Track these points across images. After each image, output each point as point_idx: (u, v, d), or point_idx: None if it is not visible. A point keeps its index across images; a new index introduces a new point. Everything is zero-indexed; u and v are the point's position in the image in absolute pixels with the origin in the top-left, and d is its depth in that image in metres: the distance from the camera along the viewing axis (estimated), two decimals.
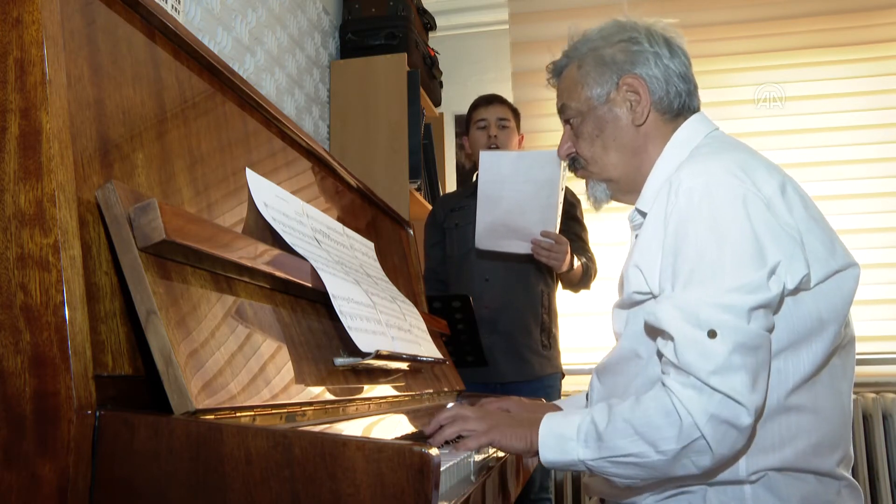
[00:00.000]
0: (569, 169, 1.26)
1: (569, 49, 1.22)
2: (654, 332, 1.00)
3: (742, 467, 0.96)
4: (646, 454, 0.91)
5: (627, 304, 1.08)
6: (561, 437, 0.99)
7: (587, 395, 1.28)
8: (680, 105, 1.14)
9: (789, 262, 0.93)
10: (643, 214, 1.12)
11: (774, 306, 0.92)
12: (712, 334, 0.88)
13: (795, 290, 0.95)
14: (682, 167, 1.03)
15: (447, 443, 1.06)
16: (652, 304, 0.98)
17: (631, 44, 1.14)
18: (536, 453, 1.02)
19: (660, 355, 0.96)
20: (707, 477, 0.97)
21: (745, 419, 0.87)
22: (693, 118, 1.14)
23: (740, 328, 0.88)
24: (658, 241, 1.00)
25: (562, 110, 1.22)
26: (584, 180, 1.24)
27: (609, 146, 1.15)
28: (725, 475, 0.96)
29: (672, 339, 0.91)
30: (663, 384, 0.93)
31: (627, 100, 1.13)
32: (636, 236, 1.15)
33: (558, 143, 1.25)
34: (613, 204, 1.24)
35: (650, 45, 1.13)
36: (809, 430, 0.96)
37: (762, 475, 0.96)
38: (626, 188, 1.18)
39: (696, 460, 0.90)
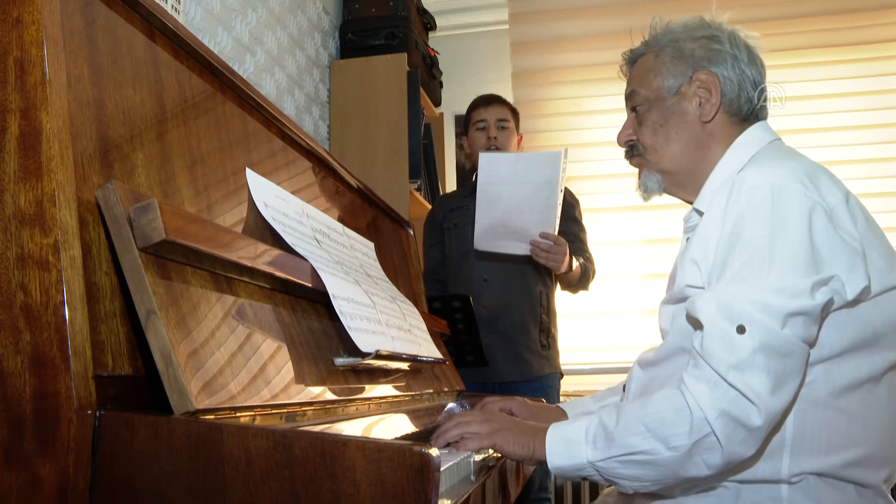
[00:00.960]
0: (625, 156, 1.25)
1: (649, 39, 1.21)
2: (693, 322, 0.99)
3: (784, 466, 0.94)
4: (656, 451, 0.90)
5: (677, 298, 1.07)
6: (569, 442, 0.98)
7: (624, 386, 1.27)
8: (749, 111, 1.13)
9: (849, 274, 0.92)
10: (700, 214, 1.11)
11: (816, 317, 0.90)
12: (741, 329, 0.87)
13: (855, 302, 0.93)
14: (746, 168, 1.03)
15: (448, 444, 1.07)
16: (694, 296, 0.97)
17: (712, 42, 1.14)
18: (538, 461, 1.01)
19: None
20: (723, 477, 0.95)
21: (756, 420, 0.85)
22: (758, 125, 1.14)
23: (771, 330, 0.87)
24: (715, 236, 0.99)
25: (630, 97, 1.22)
26: (634, 170, 1.23)
27: (672, 137, 1.15)
28: (765, 473, 0.94)
29: (702, 328, 0.91)
30: (681, 381, 0.92)
31: (697, 95, 1.13)
32: (687, 239, 1.14)
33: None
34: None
35: (731, 47, 1.13)
36: (859, 442, 0.95)
37: (802, 478, 0.94)
38: (680, 182, 1.18)
39: (707, 458, 0.89)
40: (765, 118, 1.17)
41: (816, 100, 3.00)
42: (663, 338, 1.12)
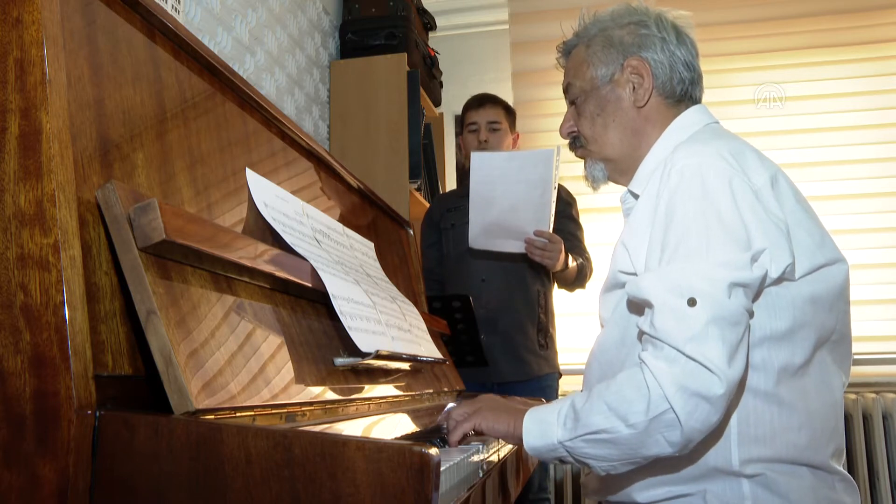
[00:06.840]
0: (569, 148, 1.27)
1: (580, 30, 1.23)
2: (636, 307, 1.00)
3: (734, 455, 0.96)
4: (616, 429, 0.91)
5: (611, 284, 1.09)
6: (543, 422, 1.00)
7: None
8: (682, 92, 1.15)
9: (774, 250, 0.94)
10: (635, 196, 1.13)
11: (755, 289, 0.93)
12: (692, 302, 0.88)
13: (779, 280, 0.95)
14: (678, 149, 1.04)
15: (441, 439, 1.09)
16: (636, 278, 0.99)
17: (639, 27, 1.15)
18: (518, 440, 1.02)
19: (640, 333, 0.96)
20: (686, 460, 0.96)
21: (717, 389, 0.86)
22: (694, 108, 1.16)
23: (720, 301, 0.88)
24: (648, 220, 1.01)
25: (567, 90, 1.24)
26: (582, 161, 1.26)
27: (609, 125, 1.17)
28: (717, 461, 0.96)
29: (652, 307, 0.92)
30: (640, 360, 0.93)
31: (630, 81, 1.15)
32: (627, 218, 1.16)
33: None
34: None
35: (658, 30, 1.15)
36: (800, 427, 0.96)
37: (759, 473, 0.95)
38: (622, 168, 1.20)
39: (667, 435, 0.89)
40: (699, 99, 1.18)
41: (816, 100, 3.00)
42: (602, 327, 1.13)
